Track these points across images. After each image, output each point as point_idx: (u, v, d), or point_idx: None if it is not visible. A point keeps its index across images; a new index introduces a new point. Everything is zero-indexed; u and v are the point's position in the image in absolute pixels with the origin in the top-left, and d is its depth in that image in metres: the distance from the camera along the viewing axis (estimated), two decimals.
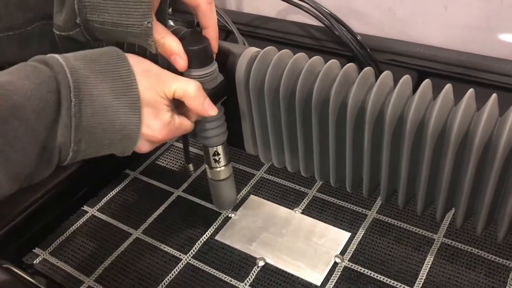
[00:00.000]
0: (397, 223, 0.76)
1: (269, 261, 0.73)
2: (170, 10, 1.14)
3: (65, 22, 0.54)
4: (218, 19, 0.83)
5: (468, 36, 0.88)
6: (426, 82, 0.58)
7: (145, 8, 0.53)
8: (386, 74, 0.60)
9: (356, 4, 0.97)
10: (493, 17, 0.84)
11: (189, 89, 0.58)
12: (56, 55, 0.51)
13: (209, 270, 0.73)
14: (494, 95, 0.55)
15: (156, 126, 0.57)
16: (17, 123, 0.45)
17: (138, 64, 0.55)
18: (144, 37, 0.55)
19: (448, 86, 0.57)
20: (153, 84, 0.55)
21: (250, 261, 0.74)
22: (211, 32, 0.62)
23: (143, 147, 0.58)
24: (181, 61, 0.60)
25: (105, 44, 0.59)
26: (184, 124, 0.61)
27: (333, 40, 0.93)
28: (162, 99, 0.56)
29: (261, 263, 0.73)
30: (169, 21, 1.14)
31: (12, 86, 0.46)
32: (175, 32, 0.71)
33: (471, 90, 0.56)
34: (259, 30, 1.02)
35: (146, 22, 0.53)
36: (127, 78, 0.53)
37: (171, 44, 0.58)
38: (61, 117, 0.49)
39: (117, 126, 0.53)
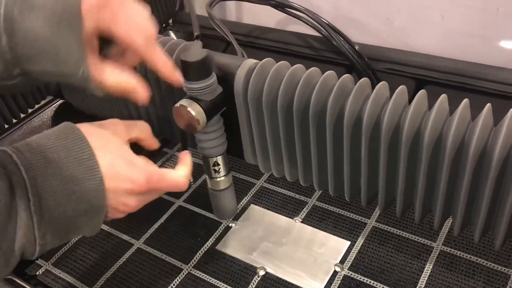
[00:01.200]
0: (396, 232, 0.77)
1: (269, 270, 0.74)
2: (170, 21, 1.15)
3: (2, 73, 0.51)
4: (217, 30, 0.85)
5: (465, 45, 0.88)
6: (421, 93, 0.59)
7: (78, 55, 0.50)
8: (382, 85, 0.61)
9: (354, 14, 0.98)
10: (489, 25, 0.85)
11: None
12: (9, 151, 0.47)
13: (210, 280, 0.73)
14: (488, 105, 0.56)
15: (127, 200, 0.54)
16: None
17: (97, 141, 0.51)
18: (84, 84, 0.52)
19: (443, 96, 0.58)
20: (115, 156, 0.52)
21: (251, 270, 0.74)
22: (163, 69, 0.58)
23: (121, 214, 0.56)
24: (140, 95, 0.56)
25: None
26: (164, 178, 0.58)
27: (332, 50, 0.94)
28: (128, 169, 0.53)
29: (261, 272, 0.73)
30: (170, 32, 1.15)
31: None
32: (174, 45, 0.72)
33: (465, 100, 0.57)
34: (258, 41, 1.03)
35: (80, 71, 0.50)
36: (87, 161, 0.49)
37: (120, 82, 0.54)
38: (19, 218, 0.46)
39: (81, 210, 0.50)
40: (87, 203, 0.50)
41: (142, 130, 0.59)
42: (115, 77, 0.54)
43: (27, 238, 0.47)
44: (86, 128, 0.51)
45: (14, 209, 0.46)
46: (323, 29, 0.91)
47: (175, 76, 0.59)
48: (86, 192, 0.49)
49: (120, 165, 0.53)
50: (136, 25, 0.54)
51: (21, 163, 0.47)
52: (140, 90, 0.56)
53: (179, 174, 0.60)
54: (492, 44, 0.86)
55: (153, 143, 0.61)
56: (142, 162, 0.55)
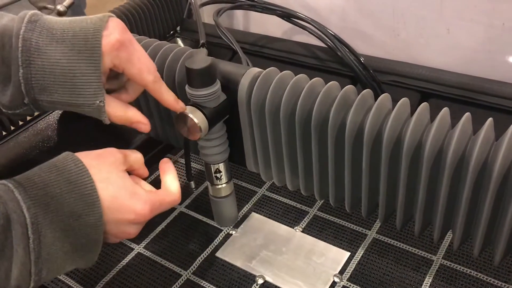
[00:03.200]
0: (397, 244, 0.77)
1: (268, 279, 0.74)
2: (178, 28, 1.16)
3: (12, 102, 0.53)
4: (223, 38, 0.85)
5: (470, 59, 0.89)
6: (424, 105, 0.59)
7: (96, 87, 0.53)
8: (385, 97, 0.61)
9: (360, 26, 0.99)
10: (495, 40, 0.85)
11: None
12: (11, 186, 0.47)
13: (208, 286, 0.73)
14: (490, 120, 0.56)
15: (129, 229, 0.55)
16: None
17: (98, 173, 0.52)
18: (97, 113, 0.55)
19: (445, 110, 0.58)
20: (117, 189, 0.53)
21: (250, 278, 0.74)
22: (168, 101, 0.62)
23: (120, 240, 0.57)
24: (143, 126, 0.60)
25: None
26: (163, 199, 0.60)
27: (337, 61, 0.94)
28: (131, 201, 0.54)
29: (260, 281, 0.73)
30: (178, 39, 1.16)
31: None
32: (180, 52, 0.73)
33: (467, 114, 0.57)
34: (264, 50, 1.04)
35: (98, 101, 0.53)
36: (89, 197, 0.50)
37: (127, 115, 0.58)
38: (15, 257, 0.45)
39: (78, 245, 0.50)
40: (84, 238, 0.50)
41: (136, 160, 0.60)
42: (121, 110, 0.58)
43: (22, 276, 0.47)
44: (86, 160, 0.52)
45: (9, 248, 0.45)
46: (329, 40, 0.91)
47: (179, 105, 0.63)
48: (85, 227, 0.50)
49: (123, 197, 0.53)
50: (146, 65, 0.58)
51: (23, 200, 0.46)
52: (144, 122, 0.60)
53: (174, 190, 0.61)
54: (497, 59, 0.86)
55: (144, 173, 0.62)
56: (142, 191, 0.56)
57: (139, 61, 0.57)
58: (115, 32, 0.54)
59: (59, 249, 0.49)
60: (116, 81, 0.61)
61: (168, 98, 0.62)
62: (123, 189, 0.54)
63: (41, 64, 0.51)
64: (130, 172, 0.59)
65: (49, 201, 0.48)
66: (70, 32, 0.52)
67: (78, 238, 0.50)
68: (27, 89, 0.52)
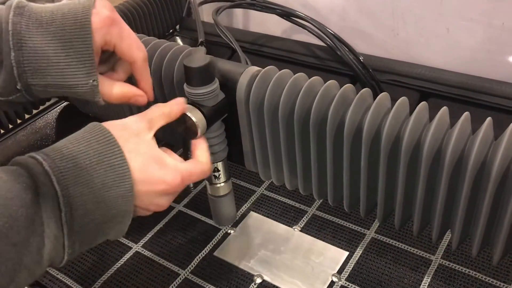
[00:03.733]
0: (395, 243, 0.76)
1: (266, 278, 0.73)
2: (177, 27, 1.16)
3: (4, 88, 0.52)
4: (222, 37, 0.85)
5: (470, 58, 0.89)
6: (422, 104, 0.59)
7: (89, 66, 0.52)
8: (384, 96, 0.61)
9: (360, 25, 0.99)
10: (494, 39, 0.85)
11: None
12: (40, 158, 0.46)
13: (206, 285, 0.73)
14: (489, 119, 0.56)
15: (160, 201, 0.54)
16: None
17: (127, 143, 0.51)
18: (91, 94, 0.54)
19: (444, 109, 0.58)
20: (146, 159, 0.52)
21: (248, 277, 0.74)
22: (146, 85, 0.61)
23: (150, 212, 0.56)
24: (140, 98, 0.60)
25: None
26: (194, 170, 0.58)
27: (336, 60, 0.94)
28: (161, 171, 0.53)
29: (258, 280, 0.73)
30: (177, 37, 1.16)
31: None
32: (178, 50, 0.73)
33: (466, 113, 0.57)
34: (264, 49, 1.04)
35: (91, 81, 0.53)
36: (119, 167, 0.49)
37: (124, 92, 0.58)
38: (48, 230, 0.45)
39: (109, 216, 0.49)
40: (115, 209, 0.49)
41: (162, 116, 0.58)
42: (117, 88, 0.57)
43: (56, 249, 0.46)
44: (113, 130, 0.51)
45: (39, 221, 0.45)
46: (328, 39, 0.91)
47: (150, 93, 0.62)
48: (116, 198, 0.49)
49: (153, 167, 0.52)
50: (136, 42, 0.58)
51: (52, 173, 0.46)
52: (140, 94, 0.59)
53: (204, 159, 0.60)
54: (496, 59, 0.86)
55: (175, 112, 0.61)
56: (172, 161, 0.55)
57: (129, 37, 0.57)
58: (104, 9, 0.54)
59: (91, 221, 0.48)
60: (105, 64, 0.61)
61: (149, 80, 0.61)
62: (152, 159, 0.53)
63: (33, 46, 0.51)
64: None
65: (79, 172, 0.47)
66: (59, 13, 0.52)
67: (109, 210, 0.49)
68: (20, 72, 0.51)
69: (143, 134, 0.54)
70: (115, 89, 0.57)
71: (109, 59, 0.61)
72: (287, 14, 0.94)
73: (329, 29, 0.91)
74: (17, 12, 0.51)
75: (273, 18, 0.97)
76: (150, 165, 0.52)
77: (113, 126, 0.51)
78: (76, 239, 0.47)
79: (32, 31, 0.51)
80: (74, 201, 0.46)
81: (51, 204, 0.45)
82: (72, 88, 0.53)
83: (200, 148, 0.61)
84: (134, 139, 0.52)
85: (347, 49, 0.91)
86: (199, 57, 0.64)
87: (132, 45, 0.57)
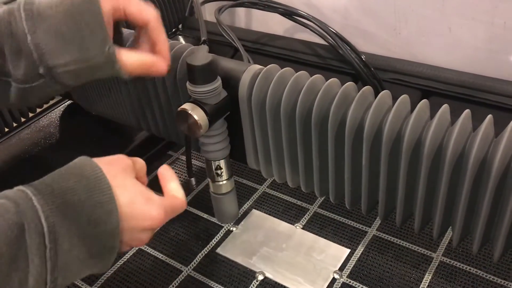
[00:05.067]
0: (397, 241, 0.77)
1: (268, 275, 0.74)
2: (180, 26, 1.16)
3: (26, 75, 0.53)
4: (224, 36, 0.86)
5: (472, 57, 0.89)
6: (423, 102, 0.59)
7: (101, 35, 0.53)
8: (385, 93, 0.61)
9: (362, 24, 0.99)
10: (496, 39, 0.85)
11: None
12: (30, 193, 0.46)
13: (209, 282, 0.74)
14: (489, 116, 0.56)
15: (143, 236, 0.54)
16: None
17: (114, 179, 0.51)
18: (110, 65, 0.54)
19: (445, 106, 0.58)
20: (133, 194, 0.52)
21: (250, 274, 0.74)
22: (162, 46, 0.61)
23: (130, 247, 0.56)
24: (161, 67, 0.59)
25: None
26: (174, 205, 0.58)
27: (338, 59, 0.94)
28: (147, 206, 0.53)
29: (260, 277, 0.74)
30: (179, 37, 1.17)
31: None
32: (181, 49, 0.73)
33: (467, 111, 0.57)
34: (266, 47, 1.04)
35: (107, 49, 0.53)
36: (107, 204, 0.49)
37: (143, 59, 0.58)
38: (32, 266, 0.44)
39: (94, 253, 0.49)
40: (101, 245, 0.49)
41: (141, 168, 0.59)
42: (135, 56, 0.58)
43: (38, 285, 0.46)
44: (102, 166, 0.51)
45: (23, 258, 0.44)
46: (330, 38, 0.91)
47: (165, 57, 0.61)
48: (102, 235, 0.49)
49: (139, 202, 0.53)
50: (145, 5, 0.59)
51: (41, 209, 0.46)
52: (159, 62, 0.59)
53: (180, 195, 0.59)
54: (498, 57, 0.86)
55: (145, 181, 0.60)
56: (156, 197, 0.55)
57: (138, 3, 0.58)
58: None
59: (76, 256, 0.48)
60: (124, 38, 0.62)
61: (165, 41, 0.61)
62: (139, 194, 0.53)
63: (46, 27, 0.52)
64: None
65: (68, 209, 0.47)
66: None
67: (95, 245, 0.49)
68: (39, 55, 0.52)
69: (128, 170, 0.54)
70: (133, 57, 0.58)
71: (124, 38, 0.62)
72: (289, 13, 0.95)
73: (331, 28, 0.91)
74: (27, 1, 0.53)
75: (275, 17, 0.98)
76: (137, 200, 0.52)
77: (99, 161, 0.52)
78: (59, 275, 0.47)
79: (43, 15, 0.52)
80: (60, 237, 0.46)
81: (37, 241, 0.45)
82: (90, 60, 0.54)
83: (173, 183, 0.60)
84: (121, 174, 0.53)
85: (349, 48, 0.91)
86: (202, 55, 0.65)
87: (142, 8, 0.58)
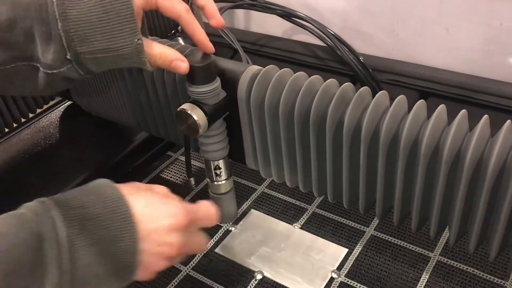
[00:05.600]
0: (394, 240, 0.77)
1: (267, 274, 0.74)
2: (180, 28, 1.17)
3: (55, 60, 0.54)
4: (224, 37, 0.86)
5: (469, 58, 0.89)
6: (420, 103, 0.60)
7: (131, 26, 0.54)
8: (382, 94, 0.62)
9: (361, 25, 1.00)
10: (493, 40, 0.86)
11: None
12: (49, 204, 0.48)
13: (208, 282, 0.74)
14: (485, 117, 0.57)
15: (170, 239, 0.53)
16: None
17: (131, 195, 0.52)
18: (137, 55, 0.55)
19: (442, 107, 0.59)
20: (149, 197, 0.54)
21: (249, 274, 0.75)
22: (200, 36, 0.63)
23: (165, 261, 0.55)
24: (182, 64, 0.60)
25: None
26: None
27: (337, 60, 0.95)
28: (165, 205, 0.54)
29: (259, 276, 0.74)
30: (179, 38, 1.17)
31: None
32: (180, 50, 0.74)
33: (463, 111, 0.58)
34: (265, 49, 1.05)
35: (136, 40, 0.54)
36: (124, 221, 0.50)
37: (166, 52, 0.59)
38: (50, 277, 0.45)
39: (112, 270, 0.50)
40: (119, 263, 0.50)
41: (160, 190, 0.59)
42: (161, 48, 0.59)
43: None
44: (122, 186, 0.53)
45: (41, 269, 0.45)
46: (328, 39, 0.92)
47: (207, 43, 0.64)
48: (120, 252, 0.49)
49: (156, 203, 0.53)
50: None
51: (59, 220, 0.47)
52: (179, 58, 0.60)
53: (207, 203, 0.60)
54: (495, 59, 0.87)
55: None
56: (175, 197, 0.56)
57: None
58: None
59: (93, 273, 0.48)
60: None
61: (201, 30, 0.62)
62: (155, 197, 0.54)
63: (77, 14, 0.53)
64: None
65: (85, 222, 0.48)
66: None
67: (112, 263, 0.49)
68: (68, 41, 0.53)
69: (143, 187, 0.56)
70: (155, 48, 0.58)
71: None
72: (287, 15, 0.95)
73: (329, 29, 0.92)
74: None
75: (274, 19, 0.98)
76: (153, 201, 0.53)
77: (118, 185, 0.53)
78: None
79: (75, 0, 0.53)
80: (78, 250, 0.47)
81: (55, 252, 0.46)
82: (119, 50, 0.54)
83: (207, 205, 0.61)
84: (141, 192, 0.54)
85: (347, 49, 0.92)
86: (201, 56, 0.65)
87: (173, 2, 0.59)
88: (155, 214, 0.52)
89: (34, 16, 0.53)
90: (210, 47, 0.64)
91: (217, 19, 0.64)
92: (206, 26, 0.95)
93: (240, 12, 1.14)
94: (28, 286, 0.45)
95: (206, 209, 0.59)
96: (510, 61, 0.86)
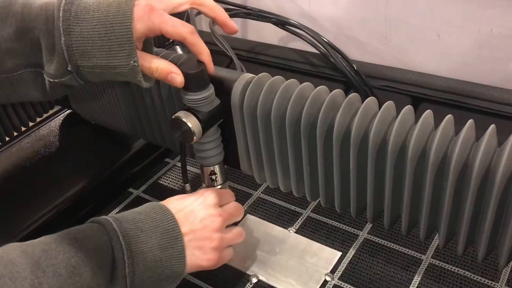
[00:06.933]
0: (387, 244, 0.79)
1: (261, 278, 0.76)
2: None
3: (57, 70, 0.57)
4: (218, 45, 0.88)
5: (460, 64, 0.91)
6: (407, 108, 0.61)
7: (129, 49, 0.56)
8: (371, 100, 0.63)
9: (354, 33, 1.01)
10: (483, 46, 0.87)
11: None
12: (110, 219, 0.61)
13: (203, 285, 0.76)
14: (470, 121, 0.58)
15: (211, 222, 0.68)
16: (77, 279, 0.54)
17: (179, 212, 0.66)
18: (132, 75, 0.58)
19: (428, 112, 0.60)
20: (196, 227, 0.66)
21: (244, 277, 0.76)
22: (205, 57, 0.66)
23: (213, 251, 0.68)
24: (177, 77, 0.63)
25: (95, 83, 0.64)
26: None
27: (330, 67, 0.97)
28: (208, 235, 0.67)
29: (254, 280, 0.76)
30: (177, 47, 1.19)
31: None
32: (176, 58, 0.76)
33: (449, 116, 0.59)
34: (260, 56, 1.06)
35: (132, 62, 0.57)
36: (172, 231, 0.63)
37: (161, 65, 0.62)
38: (116, 279, 0.57)
39: (164, 276, 0.61)
40: (169, 269, 0.61)
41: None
42: (157, 62, 0.62)
43: None
44: (171, 201, 0.68)
45: (113, 269, 0.57)
46: (322, 47, 0.94)
47: (212, 67, 0.67)
48: (170, 259, 0.61)
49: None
50: (179, 20, 0.62)
51: (119, 230, 0.59)
52: (174, 72, 0.63)
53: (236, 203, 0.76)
54: (486, 64, 0.89)
55: None
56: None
57: (171, 18, 0.61)
58: (143, 0, 0.59)
59: (148, 278, 0.59)
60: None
61: (206, 50, 0.66)
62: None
63: (80, 31, 0.56)
64: None
65: (139, 233, 0.60)
66: (105, 3, 0.57)
67: (164, 269, 0.61)
68: (69, 55, 0.56)
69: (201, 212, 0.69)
70: (153, 62, 0.61)
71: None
72: (281, 23, 0.97)
73: (323, 37, 0.94)
74: (68, 1, 0.57)
75: (269, 27, 1.00)
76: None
77: (172, 200, 0.69)
78: None
79: (80, 17, 0.56)
80: (136, 256, 0.58)
81: (119, 256, 0.58)
82: (115, 68, 0.58)
83: None
84: (188, 209, 0.68)
85: (340, 56, 0.93)
86: (194, 63, 0.67)
87: (176, 24, 0.61)
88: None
89: (41, 28, 0.57)
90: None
91: (229, 27, 0.69)
92: (203, 35, 0.97)
93: (236, 21, 1.15)
94: (109, 285, 0.57)
95: (229, 193, 0.75)
96: (500, 66, 0.87)
